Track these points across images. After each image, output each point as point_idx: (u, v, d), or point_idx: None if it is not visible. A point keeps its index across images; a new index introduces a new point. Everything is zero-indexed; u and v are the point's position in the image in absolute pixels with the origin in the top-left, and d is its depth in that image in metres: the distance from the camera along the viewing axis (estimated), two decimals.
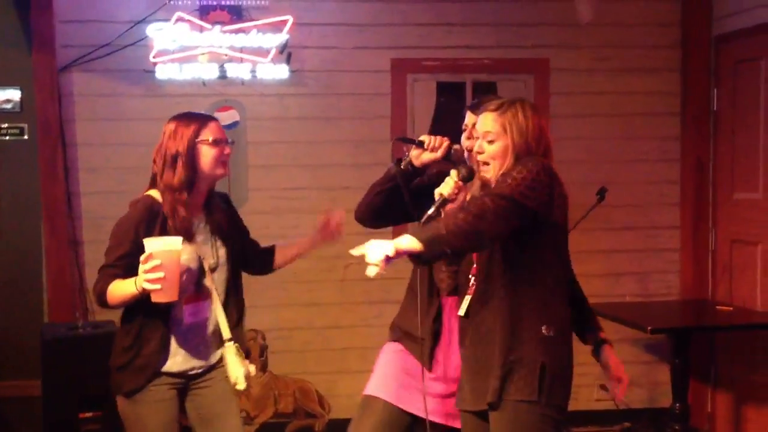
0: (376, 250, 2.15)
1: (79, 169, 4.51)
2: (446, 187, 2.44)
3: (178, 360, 2.72)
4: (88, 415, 3.98)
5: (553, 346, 2.40)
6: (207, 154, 2.69)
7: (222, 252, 2.77)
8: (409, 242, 2.18)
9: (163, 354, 2.68)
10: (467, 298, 2.50)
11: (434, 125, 4.71)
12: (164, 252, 2.48)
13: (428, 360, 2.69)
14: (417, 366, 2.69)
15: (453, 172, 2.46)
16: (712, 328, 4.56)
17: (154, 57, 4.41)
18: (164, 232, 2.62)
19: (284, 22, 4.45)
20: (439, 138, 2.64)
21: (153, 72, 4.45)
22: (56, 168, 4.42)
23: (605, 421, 4.81)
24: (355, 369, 4.52)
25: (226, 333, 2.75)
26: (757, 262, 4.46)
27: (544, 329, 2.39)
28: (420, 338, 2.68)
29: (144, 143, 4.53)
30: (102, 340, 4.06)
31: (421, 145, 2.65)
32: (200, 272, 2.70)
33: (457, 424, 2.62)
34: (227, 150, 2.74)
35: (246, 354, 2.83)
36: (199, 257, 2.69)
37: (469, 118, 2.66)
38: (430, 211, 2.42)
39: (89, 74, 4.47)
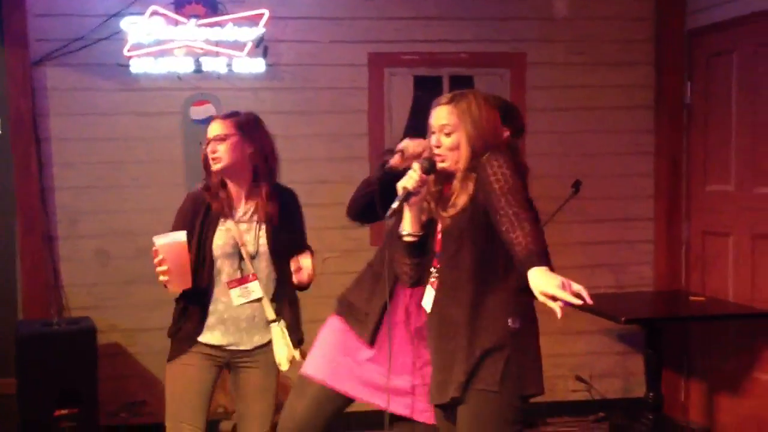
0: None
1: (54, 164, 4.46)
2: (410, 181, 2.44)
3: (216, 335, 2.94)
4: (64, 412, 3.96)
5: (519, 337, 2.43)
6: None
7: (263, 242, 2.94)
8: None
9: (200, 328, 2.94)
10: (430, 292, 2.52)
11: (411, 119, 4.72)
12: (165, 246, 2.74)
13: (370, 335, 2.76)
14: (355, 346, 2.78)
15: (415, 165, 2.47)
16: (685, 319, 4.62)
17: (128, 51, 4.37)
18: (207, 217, 2.92)
19: (260, 15, 4.43)
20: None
21: (127, 66, 4.41)
22: (30, 163, 4.38)
23: (580, 412, 4.87)
24: None
25: (270, 314, 2.94)
26: (729, 254, 4.52)
27: (510, 321, 2.42)
28: (365, 313, 2.77)
29: (119, 137, 4.54)
30: (77, 336, 4.05)
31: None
32: (240, 257, 2.92)
33: (392, 410, 2.72)
34: (209, 148, 2.92)
35: (299, 342, 3.00)
36: (237, 243, 2.90)
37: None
38: (395, 205, 2.43)
39: (63, 68, 4.42)
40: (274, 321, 2.96)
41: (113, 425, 4.44)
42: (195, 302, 2.94)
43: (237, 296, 2.92)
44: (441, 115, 2.47)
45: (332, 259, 4.69)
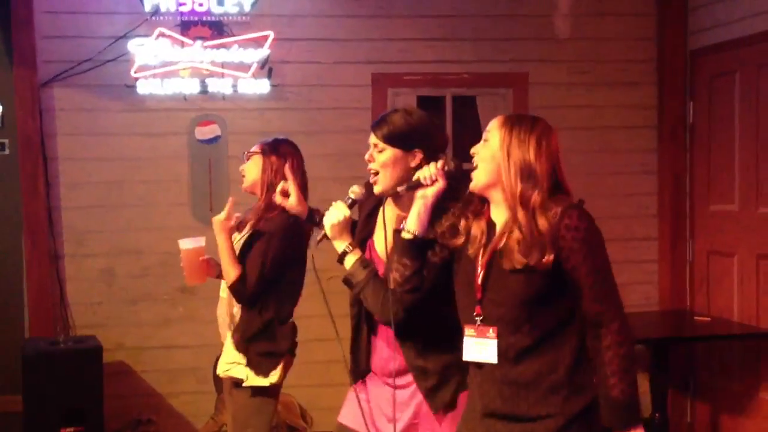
0: None
1: (60, 184, 4.50)
2: (426, 171, 2.28)
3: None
4: (70, 430, 3.98)
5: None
6: None
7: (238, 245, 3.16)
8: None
9: None
10: (486, 343, 2.15)
11: None
12: (184, 250, 3.16)
13: (352, 355, 2.67)
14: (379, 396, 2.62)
15: (434, 165, 2.28)
16: (690, 339, 4.60)
17: (135, 72, 4.43)
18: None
19: (265, 37, 4.48)
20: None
21: (134, 87, 4.46)
22: (37, 183, 4.42)
23: None
24: (338, 382, 4.48)
25: (226, 318, 3.17)
26: (734, 273, 4.51)
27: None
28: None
29: (125, 158, 4.58)
30: (83, 354, 4.07)
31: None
32: None
33: None
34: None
35: (248, 363, 3.10)
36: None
37: (370, 137, 2.48)
38: (400, 189, 2.33)
39: (70, 89, 4.47)
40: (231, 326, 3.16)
41: None
42: None
43: (221, 290, 3.22)
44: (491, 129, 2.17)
45: (337, 278, 4.70)
